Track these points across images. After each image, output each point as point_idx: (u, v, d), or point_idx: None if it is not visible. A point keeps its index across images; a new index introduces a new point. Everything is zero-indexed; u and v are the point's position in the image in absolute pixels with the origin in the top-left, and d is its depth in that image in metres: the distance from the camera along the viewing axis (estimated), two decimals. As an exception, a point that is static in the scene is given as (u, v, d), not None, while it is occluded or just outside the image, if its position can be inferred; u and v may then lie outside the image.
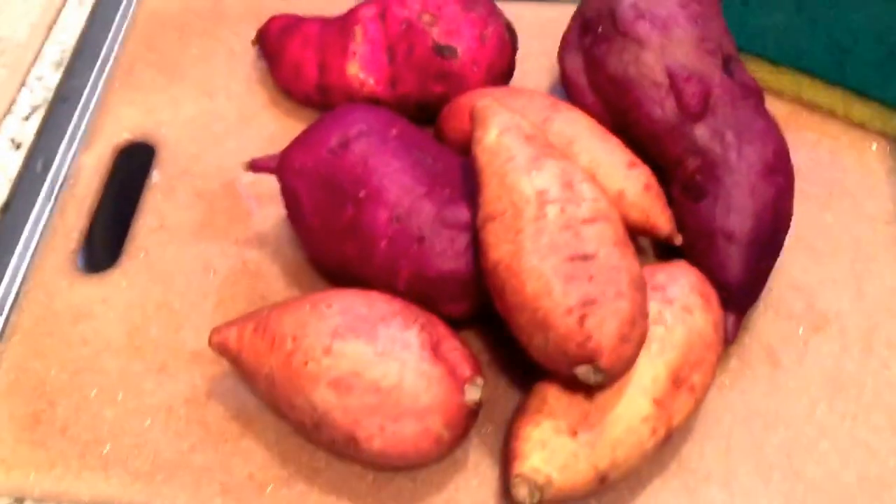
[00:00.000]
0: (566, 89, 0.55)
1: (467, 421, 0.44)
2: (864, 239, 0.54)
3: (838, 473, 0.47)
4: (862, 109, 0.58)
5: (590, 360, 0.40)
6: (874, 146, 0.58)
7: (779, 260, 0.51)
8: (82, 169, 0.60)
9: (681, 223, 0.50)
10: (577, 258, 0.41)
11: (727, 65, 0.50)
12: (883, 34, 0.58)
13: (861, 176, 0.57)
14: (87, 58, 0.67)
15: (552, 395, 0.44)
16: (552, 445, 0.42)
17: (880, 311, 0.52)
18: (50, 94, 0.65)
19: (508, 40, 0.56)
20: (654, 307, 0.45)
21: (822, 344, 0.51)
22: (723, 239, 0.48)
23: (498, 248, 0.43)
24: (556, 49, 0.57)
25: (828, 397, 0.49)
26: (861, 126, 0.59)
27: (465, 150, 0.51)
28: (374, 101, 0.57)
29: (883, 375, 0.50)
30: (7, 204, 0.59)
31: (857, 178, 0.57)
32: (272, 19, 0.62)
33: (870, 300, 0.52)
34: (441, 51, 0.54)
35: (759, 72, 0.59)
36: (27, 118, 0.64)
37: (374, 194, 0.48)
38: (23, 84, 0.65)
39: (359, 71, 0.57)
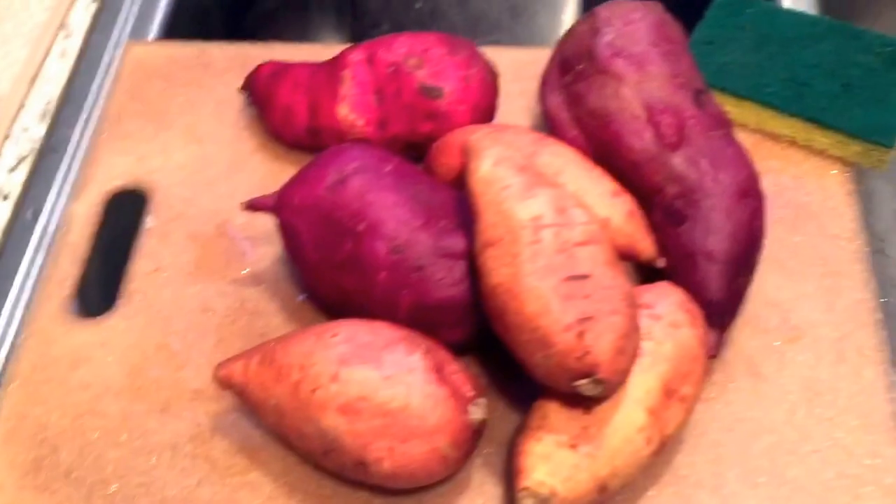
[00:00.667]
0: (549, 124, 0.59)
1: (472, 440, 0.48)
2: (831, 256, 0.59)
3: (819, 473, 0.51)
4: (821, 138, 0.63)
5: (589, 373, 0.44)
6: (834, 171, 0.63)
7: (755, 279, 0.55)
8: (74, 217, 0.63)
9: (663, 247, 0.54)
10: (572, 278, 0.45)
11: (698, 98, 0.55)
12: (835, 69, 0.64)
13: (824, 199, 0.62)
14: (73, 108, 0.70)
15: (552, 411, 0.47)
16: (555, 459, 0.46)
17: (849, 322, 0.56)
18: (36, 145, 0.68)
19: (491, 80, 0.60)
20: (643, 323, 0.48)
21: (798, 354, 0.55)
22: (703, 259, 0.52)
23: (497, 272, 0.46)
24: (534, 89, 0.61)
25: (806, 403, 0.53)
26: (821, 153, 0.64)
27: (454, 185, 0.55)
28: (364, 142, 0.60)
29: (855, 381, 0.54)
30: (2, 252, 0.62)
31: (820, 200, 0.62)
32: (261, 66, 0.65)
33: (839, 312, 0.57)
34: (428, 92, 0.59)
35: (726, 105, 0.64)
36: (13, 169, 0.66)
37: (372, 227, 0.51)
38: (7, 136, 0.68)
39: (349, 113, 0.60)
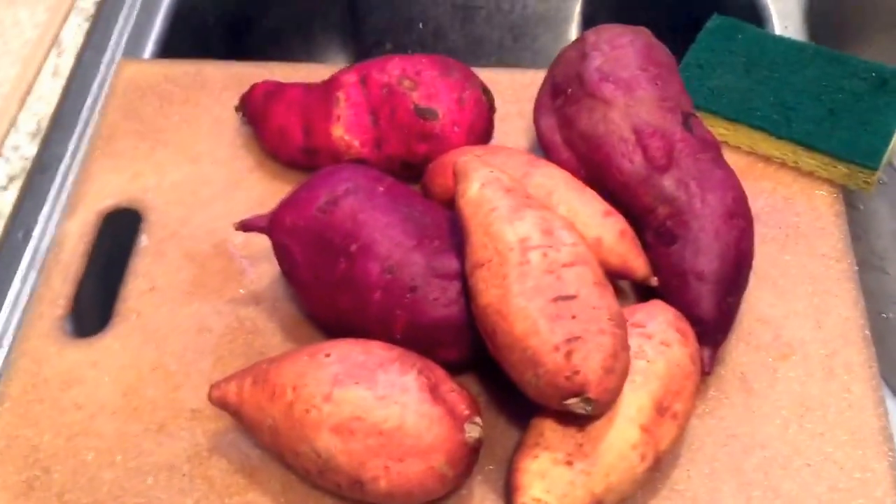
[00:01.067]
0: (542, 147, 0.61)
1: (469, 458, 0.49)
2: (820, 275, 0.61)
3: (811, 487, 0.52)
4: (809, 160, 0.65)
5: (579, 392, 0.45)
6: (822, 192, 0.65)
7: (746, 297, 0.57)
8: (66, 236, 0.64)
9: (656, 266, 0.56)
10: (560, 299, 0.46)
11: (686, 121, 0.57)
12: (822, 93, 0.66)
13: (813, 219, 0.64)
14: (65, 127, 0.71)
15: (548, 428, 0.49)
16: (551, 476, 0.47)
17: (838, 339, 0.58)
18: (28, 164, 0.68)
19: (486, 102, 0.62)
20: (635, 342, 0.50)
21: (789, 371, 0.57)
22: (694, 279, 0.54)
23: (487, 292, 0.48)
24: (532, 111, 0.62)
25: (797, 419, 0.55)
26: (810, 174, 0.66)
27: (450, 205, 0.56)
28: (360, 162, 0.61)
29: (844, 397, 0.56)
30: (-6, 272, 0.62)
31: (809, 221, 0.64)
32: (256, 85, 0.67)
33: (828, 330, 0.58)
34: (422, 113, 0.60)
35: (717, 128, 0.66)
36: (5, 188, 0.67)
37: (365, 248, 0.52)
38: (-2, 155, 0.68)
39: (344, 133, 0.62)
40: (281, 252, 0.55)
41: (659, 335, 0.51)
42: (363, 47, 0.92)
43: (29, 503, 0.52)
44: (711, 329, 0.54)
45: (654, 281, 0.56)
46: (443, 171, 0.59)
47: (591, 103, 0.57)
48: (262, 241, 0.57)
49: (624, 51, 0.58)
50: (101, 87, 0.73)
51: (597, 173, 0.57)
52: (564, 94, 0.59)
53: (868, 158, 0.63)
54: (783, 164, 0.66)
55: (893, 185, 0.66)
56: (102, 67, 0.75)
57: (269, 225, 0.56)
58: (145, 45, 0.78)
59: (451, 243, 0.52)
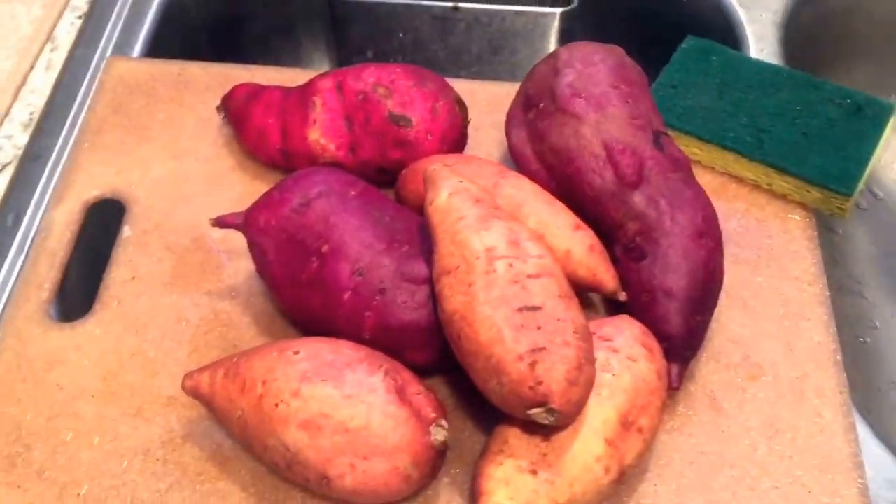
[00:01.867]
0: (513, 158, 0.59)
1: (435, 461, 0.48)
2: (792, 298, 0.59)
3: (779, 510, 0.50)
4: (783, 183, 0.63)
5: (542, 402, 0.44)
6: (796, 216, 0.63)
7: (718, 316, 0.55)
8: (53, 223, 0.62)
9: (624, 281, 0.54)
10: (525, 309, 0.45)
11: (657, 139, 0.55)
12: (796, 117, 0.64)
13: (785, 242, 0.62)
14: (56, 118, 0.70)
15: (512, 436, 0.47)
16: (515, 483, 0.45)
17: (809, 363, 0.56)
18: (20, 153, 0.67)
19: (459, 113, 0.60)
20: (601, 356, 0.48)
21: (758, 392, 0.55)
22: (662, 295, 0.52)
23: (453, 299, 0.47)
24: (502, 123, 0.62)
25: (767, 440, 0.53)
26: (784, 197, 0.63)
27: (421, 211, 0.55)
28: (335, 166, 0.60)
29: (815, 421, 0.54)
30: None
31: (782, 243, 0.61)
32: (236, 87, 0.65)
33: (799, 353, 0.56)
34: (396, 120, 0.59)
35: (691, 147, 0.64)
36: (-4, 176, 0.66)
37: (335, 250, 0.51)
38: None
39: (319, 137, 0.60)
40: (255, 250, 0.54)
41: (626, 349, 0.49)
42: (345, 55, 0.91)
43: (10, 478, 0.51)
44: (679, 346, 0.52)
45: (623, 296, 0.54)
46: (414, 177, 0.57)
47: (563, 118, 0.55)
48: (240, 238, 0.56)
49: (596, 68, 0.56)
50: (91, 82, 0.72)
51: (567, 187, 0.56)
52: (537, 107, 0.57)
53: (842, 184, 0.60)
54: (757, 186, 0.64)
55: (871, 210, 0.64)
56: (93, 63, 0.73)
57: (244, 223, 0.54)
58: (135, 43, 0.76)
59: (420, 249, 0.51)
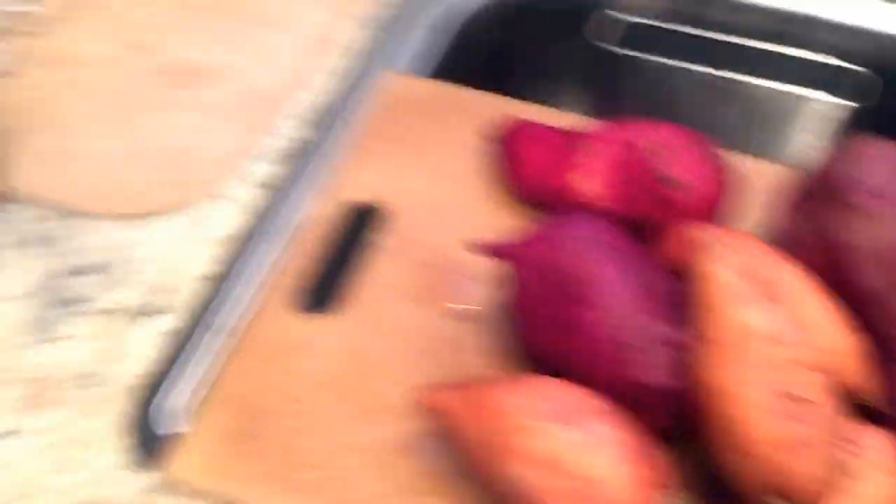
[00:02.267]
0: (784, 244, 0.55)
1: None
2: None
3: None
4: None
5: (786, 494, 0.42)
6: None
7: None
8: (315, 218, 0.65)
9: (889, 393, 0.50)
10: (790, 397, 0.43)
11: None
12: None
13: None
14: (330, 120, 0.72)
15: None
16: None
17: None
18: (293, 146, 0.71)
19: (728, 182, 0.58)
20: (850, 461, 0.46)
21: None
22: None
23: (714, 372, 0.45)
24: (764, 202, 0.60)
25: None
26: None
27: (683, 275, 0.53)
28: (594, 213, 0.60)
29: None
30: (247, 236, 0.65)
31: None
32: (507, 119, 0.66)
33: None
34: (665, 181, 0.58)
35: None
36: (271, 163, 0.70)
37: (593, 299, 0.50)
38: (269, 133, 0.71)
39: (583, 183, 0.60)
40: (512, 282, 0.54)
41: (876, 460, 0.46)
42: (604, 107, 0.90)
43: (239, 450, 0.53)
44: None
45: (889, 409, 0.50)
46: (676, 240, 0.56)
47: (854, 214, 0.52)
48: (486, 265, 0.57)
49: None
50: (368, 92, 0.74)
51: (846, 288, 0.52)
52: (822, 198, 0.54)
53: None
54: None
55: None
56: (373, 74, 0.75)
57: (505, 253, 0.55)
58: (413, 60, 0.79)
59: (677, 312, 0.50)
